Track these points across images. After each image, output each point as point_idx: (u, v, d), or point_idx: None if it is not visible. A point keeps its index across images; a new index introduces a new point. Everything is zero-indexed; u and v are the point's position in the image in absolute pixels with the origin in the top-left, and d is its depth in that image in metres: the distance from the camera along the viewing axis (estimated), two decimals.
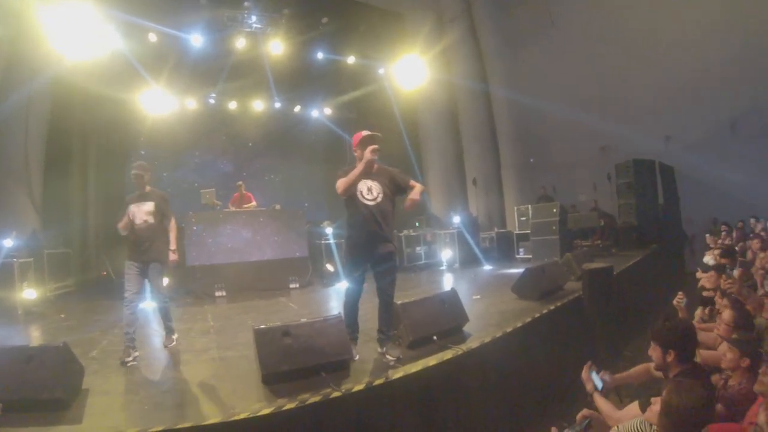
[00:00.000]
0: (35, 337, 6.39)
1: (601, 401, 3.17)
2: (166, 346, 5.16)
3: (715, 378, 3.06)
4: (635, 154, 12.77)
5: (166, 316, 5.20)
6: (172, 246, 5.25)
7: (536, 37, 15.72)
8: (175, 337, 5.28)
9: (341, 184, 4.16)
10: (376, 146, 4.17)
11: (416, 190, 4.36)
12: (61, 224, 11.38)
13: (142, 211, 5.03)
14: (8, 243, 8.84)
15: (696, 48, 12.86)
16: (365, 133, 4.26)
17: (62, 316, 7.72)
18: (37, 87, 10.77)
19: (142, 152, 14.47)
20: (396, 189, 4.38)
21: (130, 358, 4.53)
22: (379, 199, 4.22)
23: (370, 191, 4.22)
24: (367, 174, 4.21)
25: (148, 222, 5.03)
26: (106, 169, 13.17)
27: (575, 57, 14.85)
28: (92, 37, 9.31)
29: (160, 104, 12.72)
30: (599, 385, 3.28)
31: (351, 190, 4.18)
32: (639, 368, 3.52)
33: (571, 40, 14.95)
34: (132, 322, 4.74)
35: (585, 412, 2.74)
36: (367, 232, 4.19)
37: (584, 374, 3.36)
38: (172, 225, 5.30)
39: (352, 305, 4.44)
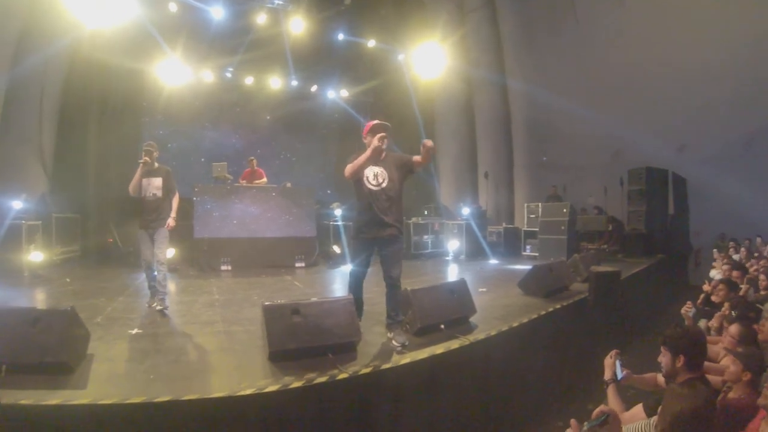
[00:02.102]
0: (40, 299, 6.40)
1: (613, 395, 3.14)
2: (151, 306, 5.55)
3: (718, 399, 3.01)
4: (647, 161, 12.59)
5: (162, 281, 5.53)
6: (173, 214, 5.73)
7: (558, 33, 15.39)
8: (166, 302, 5.52)
9: (348, 168, 4.29)
10: (384, 134, 4.28)
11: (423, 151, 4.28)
12: (71, 189, 11.39)
13: (152, 186, 5.58)
14: (17, 205, 8.87)
15: (717, 62, 12.53)
16: (376, 121, 4.42)
17: (67, 280, 7.74)
18: (54, 52, 10.71)
19: (145, 119, 14.38)
20: (403, 170, 4.47)
21: (155, 304, 5.43)
22: (384, 185, 4.32)
23: (376, 177, 4.33)
24: (374, 161, 4.32)
25: (156, 195, 5.58)
26: (117, 138, 13.13)
27: (595, 57, 14.51)
28: (112, 5, 9.24)
29: (175, 74, 12.70)
30: (620, 375, 3.22)
31: (358, 175, 4.29)
32: (650, 375, 3.48)
33: (593, 40, 14.60)
34: (153, 278, 5.55)
35: (603, 407, 2.70)
36: (372, 216, 4.28)
37: (608, 360, 3.33)
38: (176, 198, 5.81)
39: (355, 287, 4.56)
